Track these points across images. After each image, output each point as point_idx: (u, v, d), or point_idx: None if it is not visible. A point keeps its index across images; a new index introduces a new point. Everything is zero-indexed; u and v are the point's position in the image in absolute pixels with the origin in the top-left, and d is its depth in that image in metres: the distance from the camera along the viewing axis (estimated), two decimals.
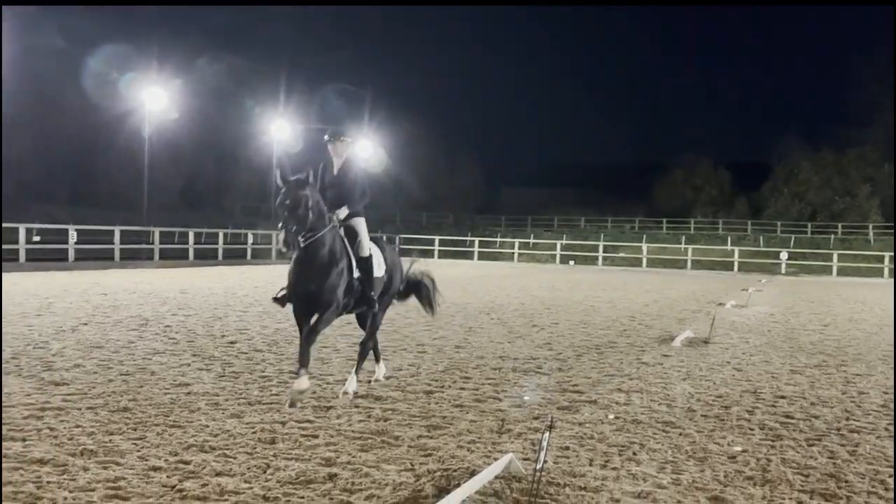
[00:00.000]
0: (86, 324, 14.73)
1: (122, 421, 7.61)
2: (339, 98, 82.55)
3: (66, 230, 36.52)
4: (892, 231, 67.32)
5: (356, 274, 9.28)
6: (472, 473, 6.12)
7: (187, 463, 6.34)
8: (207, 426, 7.51)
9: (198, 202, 69.58)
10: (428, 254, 56.96)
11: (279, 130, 64.92)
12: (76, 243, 36.39)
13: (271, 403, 8.63)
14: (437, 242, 59.62)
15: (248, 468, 6.28)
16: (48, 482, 5.75)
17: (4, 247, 32.38)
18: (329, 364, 11.56)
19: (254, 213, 69.94)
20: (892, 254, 54.93)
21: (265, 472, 6.21)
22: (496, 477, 6.06)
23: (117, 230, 38.49)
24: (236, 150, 75.22)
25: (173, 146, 64.71)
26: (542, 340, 14.87)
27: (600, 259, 58.43)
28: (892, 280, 39.91)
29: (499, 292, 27.91)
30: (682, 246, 63.45)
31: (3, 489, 5.61)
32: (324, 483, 5.98)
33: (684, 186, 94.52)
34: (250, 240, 46.96)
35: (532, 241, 66.66)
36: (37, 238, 36.14)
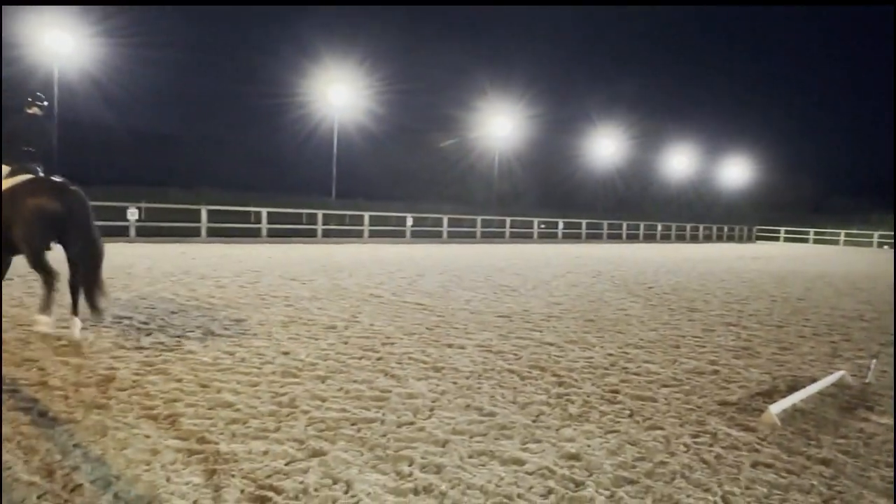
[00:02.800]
0: (569, 273, 15.40)
1: (590, 327, 8.07)
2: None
3: (557, 222, 36.88)
4: None
5: None
6: (814, 380, 5.69)
7: (627, 353, 6.63)
8: (638, 333, 7.71)
9: (621, 207, 66.89)
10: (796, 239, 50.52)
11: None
12: (563, 229, 36.84)
13: (675, 324, 8.54)
14: (781, 231, 52.56)
15: (663, 360, 6.41)
16: (554, 355, 6.36)
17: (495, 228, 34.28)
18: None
19: (662, 209, 65.89)
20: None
21: (673, 363, 6.29)
22: (831, 384, 5.57)
23: (584, 222, 38.44)
24: (650, 173, 70.76)
25: (607, 172, 63.55)
26: (863, 298, 12.79)
27: None
28: None
29: (826, 265, 24.18)
30: None
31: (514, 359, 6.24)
32: (710, 375, 5.91)
33: None
34: (659, 228, 43.66)
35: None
36: (542, 226, 36.45)
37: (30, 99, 6.48)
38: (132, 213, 20.18)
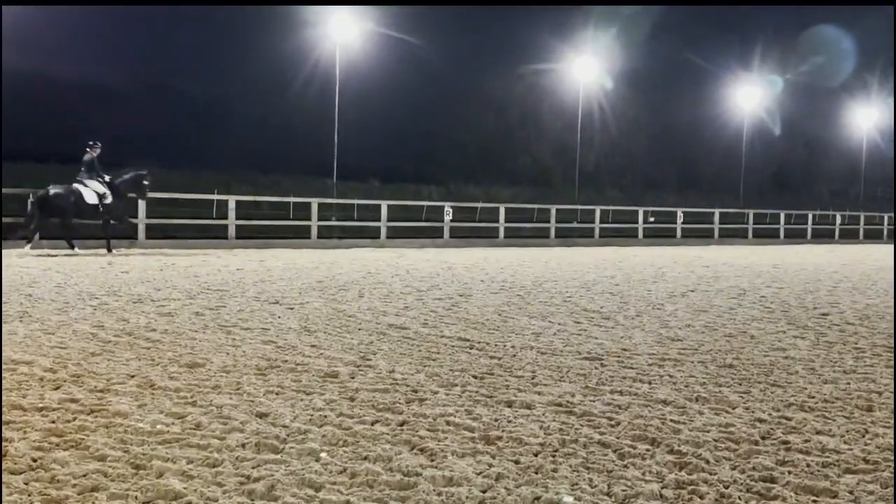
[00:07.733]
0: (693, 290, 9.74)
1: (729, 375, 4.85)
2: None
3: (675, 212, 23.92)
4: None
5: None
6: None
7: (789, 419, 3.81)
8: (805, 388, 4.53)
9: (787, 186, 44.45)
10: None
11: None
12: (682, 223, 23.29)
13: (865, 373, 5.00)
14: None
15: (847, 431, 3.58)
16: (671, 421, 3.71)
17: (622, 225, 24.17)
18: None
19: (841, 195, 42.94)
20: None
21: (864, 436, 3.49)
22: None
23: (717, 212, 24.67)
24: (825, 137, 45.32)
25: (765, 135, 41.67)
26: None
27: None
28: None
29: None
30: None
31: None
32: None
33: None
34: (838, 220, 26.92)
35: None
36: (651, 219, 25.00)
37: (87, 147, 11.98)
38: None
